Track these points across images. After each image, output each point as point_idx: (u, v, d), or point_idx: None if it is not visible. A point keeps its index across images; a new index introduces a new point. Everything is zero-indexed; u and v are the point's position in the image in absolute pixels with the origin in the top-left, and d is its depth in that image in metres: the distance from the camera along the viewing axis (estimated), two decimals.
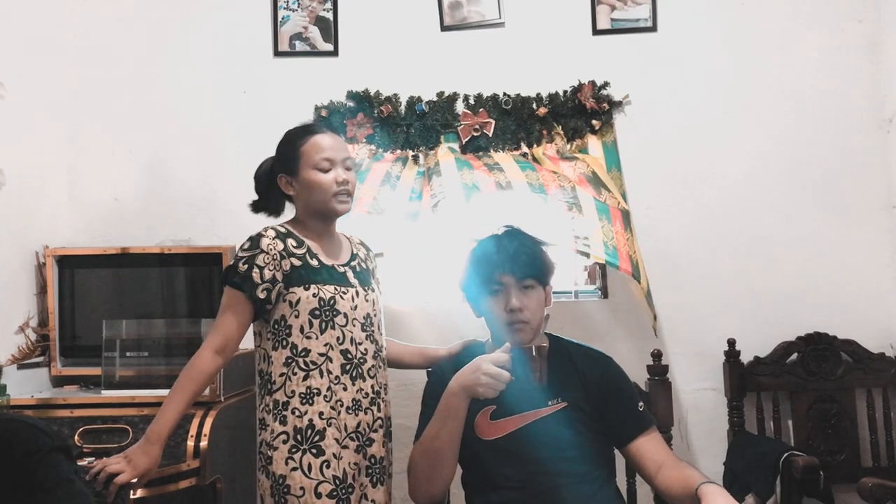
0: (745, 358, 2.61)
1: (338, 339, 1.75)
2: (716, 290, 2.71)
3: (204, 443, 2.02)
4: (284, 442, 1.71)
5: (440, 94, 2.73)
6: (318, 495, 1.67)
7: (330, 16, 2.82)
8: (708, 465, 2.57)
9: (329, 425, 1.71)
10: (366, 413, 1.77)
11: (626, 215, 2.52)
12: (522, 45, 2.79)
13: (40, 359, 2.48)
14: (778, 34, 2.77)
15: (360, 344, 1.78)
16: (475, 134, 2.71)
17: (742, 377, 2.59)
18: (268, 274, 1.73)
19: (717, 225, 2.73)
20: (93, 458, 2.00)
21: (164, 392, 2.12)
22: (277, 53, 2.82)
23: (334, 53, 2.81)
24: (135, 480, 1.65)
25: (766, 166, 2.73)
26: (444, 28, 2.81)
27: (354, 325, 1.78)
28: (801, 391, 2.60)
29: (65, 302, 2.50)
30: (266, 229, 1.80)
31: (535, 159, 2.69)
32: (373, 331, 1.83)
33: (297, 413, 1.71)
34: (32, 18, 2.60)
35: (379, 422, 1.80)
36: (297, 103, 2.74)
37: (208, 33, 2.82)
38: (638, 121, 2.76)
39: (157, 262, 2.51)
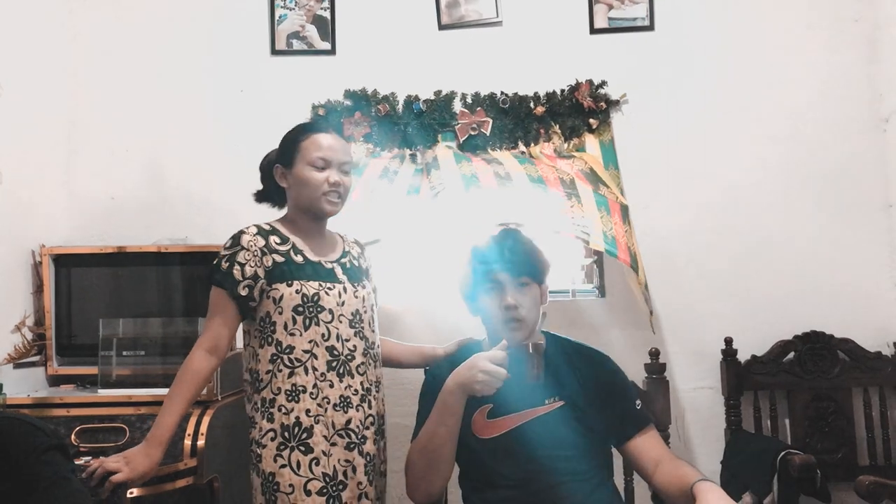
0: (743, 357, 2.61)
1: (323, 335, 1.74)
2: (713, 288, 2.71)
3: (201, 442, 2.02)
4: (272, 439, 1.71)
5: (438, 93, 2.73)
6: (308, 492, 1.68)
7: (327, 14, 2.81)
8: (705, 464, 2.58)
9: (317, 423, 1.71)
10: (357, 410, 1.76)
11: (624, 209, 2.52)
12: (520, 43, 2.79)
13: (36, 358, 2.47)
14: (775, 33, 2.77)
15: (347, 341, 1.78)
16: (472, 133, 2.71)
17: (739, 376, 2.59)
18: (249, 270, 1.73)
19: (715, 224, 2.73)
20: (89, 458, 1.99)
21: (160, 391, 2.14)
22: (275, 52, 2.82)
23: (332, 52, 2.81)
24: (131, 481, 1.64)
25: (763, 165, 2.74)
26: (441, 27, 2.81)
27: (341, 322, 1.77)
28: (798, 390, 2.60)
29: (61, 301, 2.49)
30: (248, 227, 1.80)
31: (532, 157, 2.69)
32: (362, 327, 1.82)
33: (283, 410, 1.71)
34: (30, 17, 2.59)
35: (371, 419, 1.79)
36: (295, 102, 2.75)
37: (205, 32, 2.82)
38: (635, 120, 2.76)
39: (153, 261, 2.50)
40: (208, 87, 2.81)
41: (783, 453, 2.19)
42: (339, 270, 1.83)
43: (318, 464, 1.70)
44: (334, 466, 1.72)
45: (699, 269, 2.72)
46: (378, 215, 2.44)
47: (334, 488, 1.70)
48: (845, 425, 2.58)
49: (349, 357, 1.77)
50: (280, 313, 1.74)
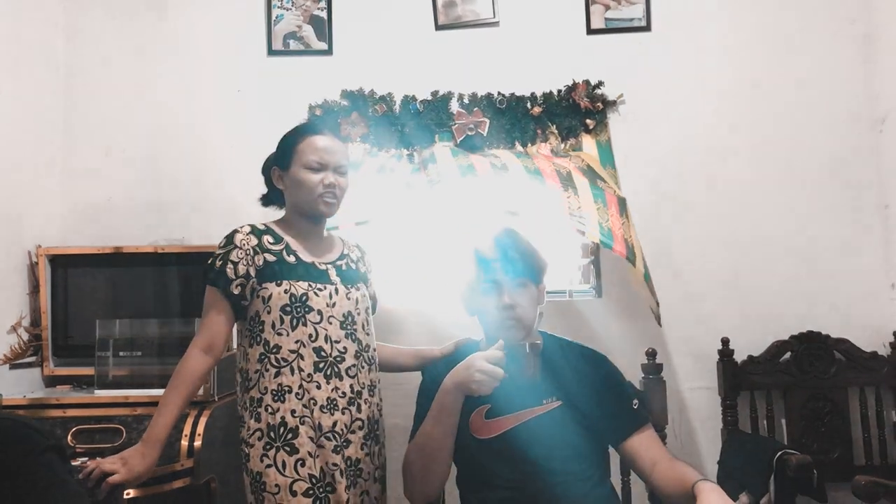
0: (739, 357, 2.61)
1: (310, 336, 1.74)
2: (710, 288, 2.71)
3: (198, 442, 2.02)
4: (259, 439, 1.71)
5: (435, 94, 2.73)
6: (294, 493, 1.67)
7: (324, 14, 2.81)
8: (702, 464, 2.59)
9: (302, 423, 1.71)
10: (343, 413, 1.74)
11: (622, 202, 2.52)
12: (517, 43, 2.79)
13: (32, 359, 2.47)
14: (771, 34, 2.77)
15: (337, 342, 1.77)
16: (470, 133, 2.71)
17: (736, 376, 2.59)
18: (241, 269, 1.73)
19: (711, 224, 2.73)
20: (86, 459, 1.99)
21: (157, 391, 2.13)
22: (271, 52, 2.82)
23: (328, 52, 2.81)
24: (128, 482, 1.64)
25: (759, 166, 2.74)
26: (438, 27, 2.80)
27: (330, 323, 1.76)
28: (795, 390, 2.60)
29: (57, 301, 2.49)
30: (242, 226, 1.81)
31: (529, 155, 2.70)
32: (354, 330, 1.81)
33: (269, 410, 1.71)
34: (25, 17, 2.58)
35: (358, 423, 1.77)
36: (292, 102, 2.74)
37: (202, 32, 2.82)
38: (632, 120, 2.76)
39: (150, 262, 2.50)
40: (205, 87, 2.80)
41: (780, 453, 2.19)
42: (332, 272, 1.83)
43: (303, 465, 1.69)
44: (322, 468, 1.71)
45: (695, 269, 2.72)
46: (372, 200, 2.45)
47: (321, 490, 1.70)
48: (841, 425, 2.58)
49: (338, 359, 1.76)
50: (268, 312, 1.74)
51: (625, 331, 2.67)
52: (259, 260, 1.75)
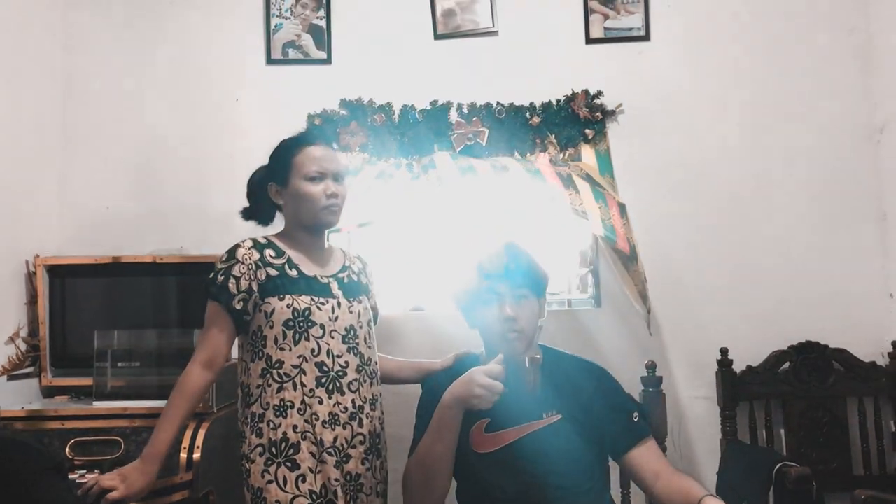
0: (738, 367, 2.61)
1: (313, 350, 1.73)
2: (708, 298, 2.71)
3: (196, 455, 2.01)
4: (261, 455, 1.71)
5: (434, 103, 2.73)
6: None
7: (323, 24, 2.81)
8: (701, 474, 2.59)
9: (304, 439, 1.70)
10: (344, 428, 1.74)
11: (622, 207, 2.53)
12: (516, 53, 2.79)
13: (30, 369, 2.46)
14: (770, 44, 2.78)
15: (339, 357, 1.76)
16: (469, 143, 2.70)
17: (735, 386, 2.59)
18: (244, 284, 1.73)
19: (710, 234, 2.73)
20: (84, 471, 1.99)
21: (155, 403, 2.13)
22: (270, 61, 2.81)
23: (327, 61, 2.81)
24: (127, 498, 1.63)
25: (758, 176, 2.74)
26: (437, 36, 2.80)
27: (333, 337, 1.76)
28: (793, 400, 2.60)
29: (55, 311, 2.48)
30: (244, 240, 1.80)
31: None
32: (357, 343, 1.81)
33: (271, 426, 1.71)
34: (22, 26, 2.58)
35: (359, 438, 1.77)
36: (290, 111, 2.74)
37: (201, 41, 2.81)
38: (631, 130, 2.76)
39: (148, 271, 2.49)
40: (204, 96, 2.79)
41: (779, 465, 2.19)
42: (335, 286, 1.82)
43: (304, 480, 1.69)
44: (323, 484, 1.71)
45: (694, 279, 2.72)
46: (374, 202, 2.46)
47: None
48: (840, 435, 2.58)
49: (340, 373, 1.76)
50: (271, 327, 1.73)
51: (624, 341, 2.66)
52: (261, 274, 1.75)
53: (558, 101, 2.74)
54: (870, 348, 2.65)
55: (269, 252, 1.78)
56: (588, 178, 2.62)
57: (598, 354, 2.50)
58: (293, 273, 1.78)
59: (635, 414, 1.78)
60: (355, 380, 1.78)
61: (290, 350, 1.73)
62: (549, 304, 2.19)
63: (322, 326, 1.75)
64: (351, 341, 1.79)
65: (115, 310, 2.49)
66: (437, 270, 2.74)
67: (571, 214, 2.45)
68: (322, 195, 1.77)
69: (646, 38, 2.80)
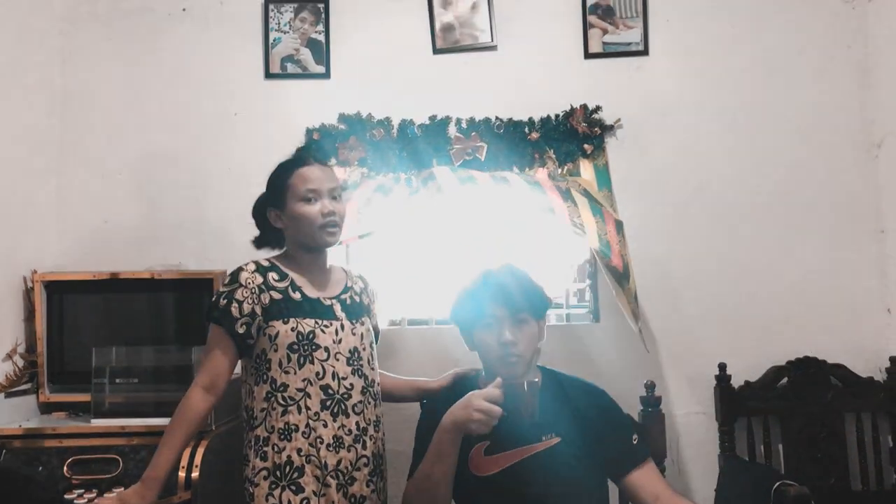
0: (736, 382, 2.62)
1: (317, 374, 1.74)
2: (706, 314, 2.71)
3: (195, 474, 2.00)
4: (265, 478, 1.71)
5: (433, 118, 2.72)
6: None
7: (322, 38, 2.81)
8: (699, 491, 2.59)
9: (308, 462, 1.70)
10: (348, 451, 1.74)
11: (619, 224, 2.53)
12: (515, 68, 2.79)
13: (28, 385, 2.45)
14: (768, 59, 2.78)
15: (344, 379, 1.77)
16: (468, 158, 2.70)
17: (733, 401, 2.59)
18: (246, 308, 1.73)
19: (708, 249, 2.73)
20: (82, 490, 1.99)
21: (154, 420, 2.13)
22: (269, 75, 2.81)
23: (326, 76, 2.80)
24: None
25: (756, 191, 2.74)
26: (436, 51, 2.80)
27: (337, 360, 1.76)
28: (791, 415, 2.60)
29: (53, 327, 2.46)
30: (247, 263, 1.81)
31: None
32: (361, 365, 1.81)
33: (276, 449, 1.71)
34: (19, 39, 2.57)
35: (364, 460, 1.77)
36: (289, 126, 2.73)
37: (199, 55, 2.80)
38: (629, 144, 2.76)
39: (147, 287, 2.48)
40: (202, 110, 2.79)
41: (777, 484, 2.19)
42: (338, 307, 1.83)
43: None
44: None
45: (693, 294, 2.72)
46: (374, 214, 2.46)
47: None
48: (838, 451, 2.58)
49: (345, 396, 1.76)
50: (275, 351, 1.73)
51: (622, 355, 2.66)
52: (265, 298, 1.75)
53: (557, 115, 2.74)
54: (868, 364, 2.65)
55: (272, 275, 1.78)
56: (586, 193, 2.62)
57: (596, 369, 2.50)
58: (297, 296, 1.78)
59: (635, 436, 1.78)
60: (360, 402, 1.78)
61: (295, 373, 1.73)
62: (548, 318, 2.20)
63: (327, 349, 1.75)
64: (355, 363, 1.79)
65: (112, 326, 2.48)
66: (437, 284, 2.73)
67: (570, 228, 2.45)
68: (318, 215, 1.77)
69: (644, 52, 2.80)
